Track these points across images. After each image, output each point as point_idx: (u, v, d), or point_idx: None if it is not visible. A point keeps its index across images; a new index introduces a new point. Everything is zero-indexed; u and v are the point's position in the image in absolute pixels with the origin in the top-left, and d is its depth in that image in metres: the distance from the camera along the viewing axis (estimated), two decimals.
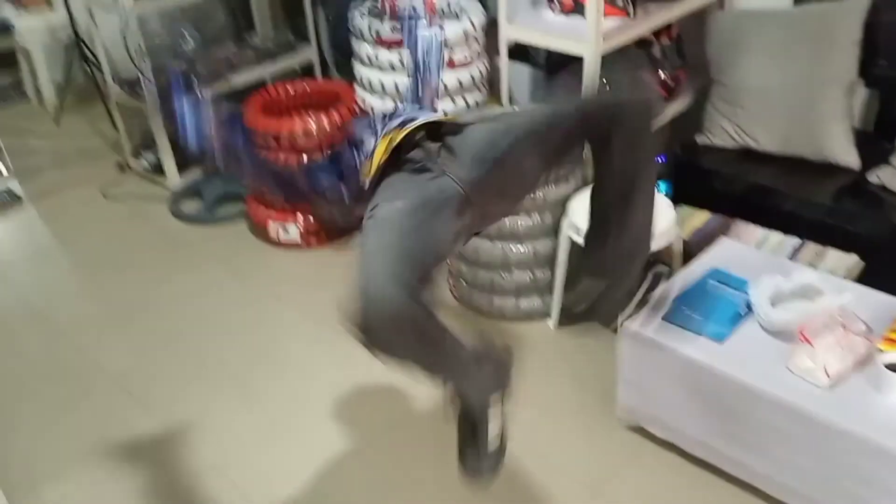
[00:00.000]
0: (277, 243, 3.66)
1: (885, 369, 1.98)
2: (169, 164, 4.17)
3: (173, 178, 4.20)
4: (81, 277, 3.65)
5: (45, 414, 2.84)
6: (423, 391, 2.72)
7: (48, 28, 5.16)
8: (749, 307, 2.29)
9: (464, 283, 3.13)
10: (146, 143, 4.43)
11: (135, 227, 3.97)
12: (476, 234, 1.98)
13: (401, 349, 1.52)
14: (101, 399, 2.89)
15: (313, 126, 3.41)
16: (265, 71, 4.40)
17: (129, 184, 4.34)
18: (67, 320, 3.31)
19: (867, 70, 3.02)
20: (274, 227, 3.62)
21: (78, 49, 4.86)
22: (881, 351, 2.05)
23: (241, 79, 4.20)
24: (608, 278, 2.01)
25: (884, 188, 2.86)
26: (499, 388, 1.76)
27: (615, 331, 2.56)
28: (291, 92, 3.86)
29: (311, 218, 3.43)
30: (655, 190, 1.93)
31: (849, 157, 2.97)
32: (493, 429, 1.71)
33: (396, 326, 1.44)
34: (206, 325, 3.20)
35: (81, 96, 5.27)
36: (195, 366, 2.97)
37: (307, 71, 4.60)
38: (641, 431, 2.52)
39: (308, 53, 4.52)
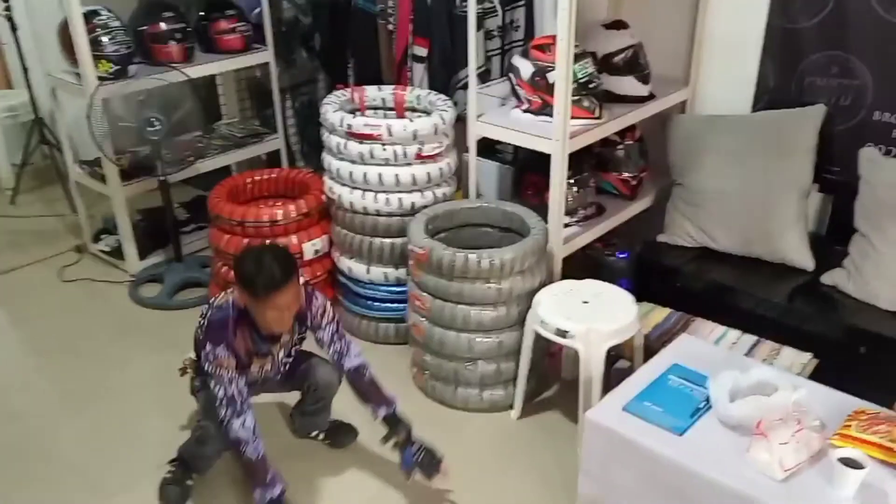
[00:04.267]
0: None
1: (838, 464, 2.01)
2: (129, 248, 4.12)
3: (133, 262, 4.14)
4: (35, 360, 3.56)
5: None
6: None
7: (7, 107, 5.12)
8: (708, 401, 2.32)
9: (427, 374, 3.13)
10: (106, 226, 4.41)
11: (92, 310, 3.89)
12: None
13: None
14: (53, 484, 2.80)
15: (279, 214, 3.44)
16: (231, 158, 4.43)
17: (87, 267, 4.27)
18: (20, 403, 3.22)
19: (821, 176, 3.16)
20: None
21: (38, 130, 4.87)
22: (834, 446, 2.08)
23: (207, 165, 4.23)
24: None
25: (836, 290, 2.96)
26: None
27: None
28: (259, 179, 3.88)
29: None
30: None
31: (803, 259, 3.08)
32: None
33: None
34: (163, 410, 3.12)
35: (39, 177, 5.22)
36: (150, 452, 2.89)
37: (273, 159, 4.63)
38: None
39: (275, 142, 4.57)
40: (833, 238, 3.18)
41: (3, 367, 3.50)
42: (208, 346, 2.37)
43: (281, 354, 2.59)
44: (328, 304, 2.59)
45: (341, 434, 2.92)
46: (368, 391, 2.56)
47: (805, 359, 2.75)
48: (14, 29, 4.57)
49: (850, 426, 2.13)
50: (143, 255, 4.18)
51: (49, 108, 4.50)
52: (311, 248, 3.52)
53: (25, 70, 4.67)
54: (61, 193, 4.87)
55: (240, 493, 2.73)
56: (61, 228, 4.70)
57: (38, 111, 4.85)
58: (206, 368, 2.40)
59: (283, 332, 2.50)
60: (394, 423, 2.54)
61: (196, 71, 3.98)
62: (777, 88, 3.28)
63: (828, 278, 3.00)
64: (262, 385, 2.68)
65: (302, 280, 2.47)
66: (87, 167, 4.21)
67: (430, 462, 2.52)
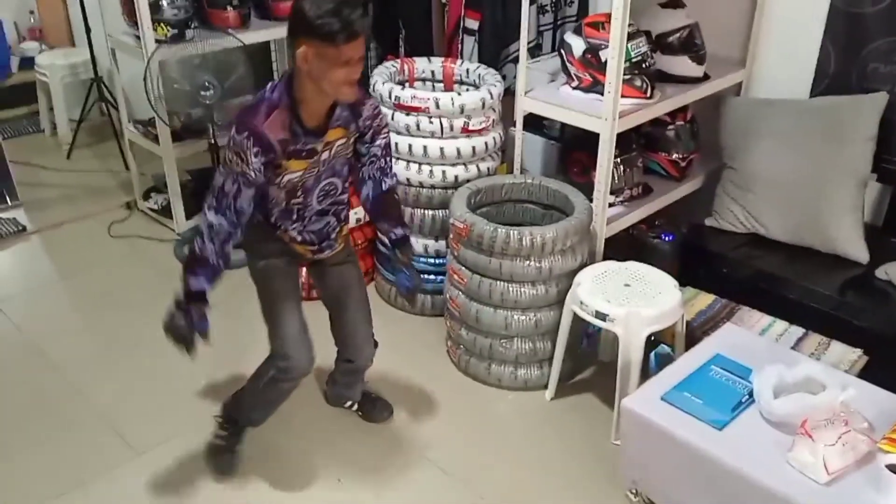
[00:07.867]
0: None
1: (886, 470, 1.94)
2: (178, 207, 4.18)
3: (180, 221, 4.21)
4: (79, 312, 3.64)
5: (28, 446, 2.80)
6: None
7: (69, 65, 5.24)
8: (751, 395, 2.26)
9: (461, 349, 3.11)
10: (156, 184, 4.47)
11: (137, 266, 3.96)
12: None
13: None
14: (88, 436, 2.85)
15: None
16: None
17: (135, 223, 4.34)
18: (60, 353, 3.28)
19: (881, 165, 3.05)
20: None
21: (97, 88, 4.96)
22: (883, 451, 2.02)
23: None
24: None
25: (891, 284, 2.86)
26: None
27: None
28: None
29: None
30: None
31: (857, 250, 2.97)
32: None
33: None
34: (201, 367, 3.15)
35: (95, 134, 5.33)
36: (184, 410, 2.94)
37: None
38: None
39: None
40: (890, 230, 3.08)
41: (48, 318, 3.57)
42: (232, 132, 2.08)
43: (325, 157, 2.24)
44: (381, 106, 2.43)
45: (376, 409, 2.91)
46: (391, 211, 2.53)
47: (855, 355, 2.66)
48: None
49: None
50: (189, 214, 4.23)
51: (108, 68, 4.57)
52: (353, 216, 3.50)
53: (88, 30, 4.75)
54: (115, 150, 4.96)
55: (284, 453, 2.76)
56: (113, 185, 4.77)
57: (98, 70, 4.94)
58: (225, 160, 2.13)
59: (349, 100, 2.14)
60: (404, 244, 2.57)
61: (251, 37, 3.99)
62: (837, 74, 3.15)
63: (882, 272, 2.89)
64: (300, 219, 2.40)
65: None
66: (141, 126, 4.28)
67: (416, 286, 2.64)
